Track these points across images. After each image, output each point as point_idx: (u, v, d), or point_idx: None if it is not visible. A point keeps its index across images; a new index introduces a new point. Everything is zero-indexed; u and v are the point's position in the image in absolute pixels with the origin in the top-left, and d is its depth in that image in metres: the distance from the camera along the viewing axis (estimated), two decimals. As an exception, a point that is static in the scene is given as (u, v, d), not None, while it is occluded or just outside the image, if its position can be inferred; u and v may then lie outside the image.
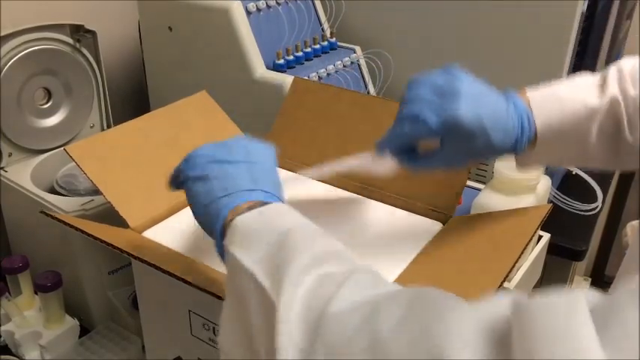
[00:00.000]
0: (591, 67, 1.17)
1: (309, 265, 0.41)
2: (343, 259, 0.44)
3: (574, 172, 1.18)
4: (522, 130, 0.60)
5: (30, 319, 0.86)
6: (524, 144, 0.60)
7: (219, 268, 0.63)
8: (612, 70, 0.63)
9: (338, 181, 0.79)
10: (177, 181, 0.56)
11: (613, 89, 0.61)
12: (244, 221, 0.47)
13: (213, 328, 0.63)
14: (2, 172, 0.94)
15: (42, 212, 0.63)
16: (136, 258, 0.57)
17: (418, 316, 0.34)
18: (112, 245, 0.58)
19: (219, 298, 0.52)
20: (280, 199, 0.52)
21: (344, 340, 0.36)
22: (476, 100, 0.57)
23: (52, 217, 0.62)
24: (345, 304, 0.37)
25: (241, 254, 0.44)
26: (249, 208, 0.48)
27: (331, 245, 0.45)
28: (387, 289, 0.40)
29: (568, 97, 0.62)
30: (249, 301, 0.42)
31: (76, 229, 0.60)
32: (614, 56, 1.30)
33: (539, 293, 0.31)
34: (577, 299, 0.29)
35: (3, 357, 0.84)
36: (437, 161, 0.61)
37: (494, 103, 0.58)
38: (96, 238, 0.59)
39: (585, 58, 1.11)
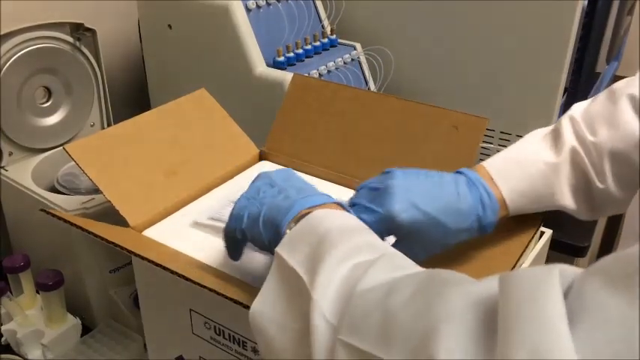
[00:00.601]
0: (592, 63, 1.17)
1: (344, 256, 0.45)
2: (374, 248, 0.47)
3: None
4: (484, 206, 0.59)
5: (32, 318, 0.86)
6: (489, 219, 0.59)
7: (220, 266, 0.63)
8: (564, 121, 0.63)
9: (339, 178, 0.79)
10: (236, 241, 0.58)
11: (569, 140, 0.61)
12: (292, 230, 0.51)
13: (214, 327, 0.62)
14: (3, 171, 0.94)
15: (42, 210, 0.63)
16: (135, 255, 0.57)
17: (425, 293, 0.37)
18: (112, 242, 0.58)
19: (219, 294, 0.52)
20: (322, 198, 0.54)
21: (363, 316, 0.39)
22: (410, 191, 0.57)
23: (53, 215, 0.62)
24: (370, 283, 0.41)
25: (288, 256, 0.47)
26: (298, 220, 0.51)
27: (366, 238, 0.48)
28: (409, 270, 0.43)
29: (525, 158, 0.62)
30: (292, 291, 0.45)
31: (76, 226, 0.60)
32: (615, 52, 1.30)
33: (523, 268, 0.32)
34: (550, 275, 0.30)
35: (5, 356, 0.84)
36: None
37: (435, 188, 0.58)
38: (96, 236, 0.59)
39: (586, 55, 1.10)
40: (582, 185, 0.62)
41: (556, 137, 0.63)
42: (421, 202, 0.56)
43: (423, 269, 0.44)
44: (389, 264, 0.44)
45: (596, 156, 0.60)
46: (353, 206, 0.59)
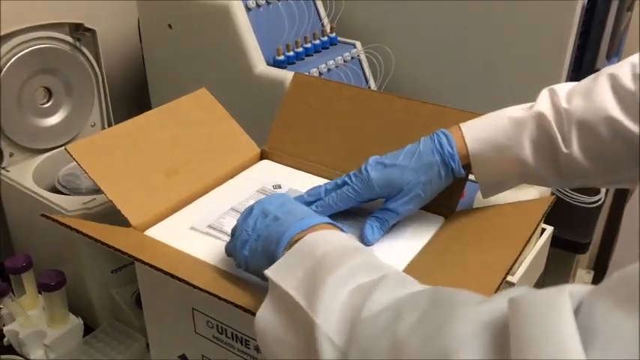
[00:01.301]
0: (592, 60, 1.17)
1: (343, 280, 0.45)
2: (371, 269, 0.48)
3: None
4: (441, 144, 0.65)
5: (34, 318, 0.86)
6: (448, 150, 0.65)
7: (222, 265, 0.63)
8: (544, 91, 0.66)
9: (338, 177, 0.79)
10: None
11: (540, 105, 0.64)
12: (285, 255, 0.51)
13: (217, 326, 0.63)
14: (4, 172, 0.94)
15: (43, 215, 0.62)
16: (139, 261, 0.57)
17: (431, 317, 0.38)
18: (114, 248, 0.58)
19: (222, 300, 0.52)
20: (315, 219, 0.55)
21: (372, 341, 0.40)
22: (380, 159, 0.67)
23: (53, 220, 0.61)
24: (375, 308, 0.42)
25: (280, 280, 0.48)
26: (293, 244, 0.52)
27: (360, 259, 0.49)
28: (410, 291, 0.43)
29: (494, 114, 0.66)
30: (289, 314, 0.47)
31: (77, 231, 0.59)
32: (615, 48, 1.30)
33: (532, 290, 0.33)
34: (561, 300, 0.31)
35: (7, 357, 0.84)
36: (391, 213, 0.66)
37: (397, 151, 0.67)
38: (97, 241, 0.59)
39: (586, 52, 1.10)
40: (546, 146, 0.63)
41: (531, 105, 0.65)
42: (387, 160, 0.66)
43: (426, 287, 0.44)
44: (391, 285, 0.44)
45: (566, 122, 0.62)
46: (343, 186, 0.67)
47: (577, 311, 0.30)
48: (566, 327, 0.29)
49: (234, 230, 0.61)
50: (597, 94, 0.61)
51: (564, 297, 0.31)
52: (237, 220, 0.61)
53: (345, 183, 0.67)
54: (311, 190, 0.69)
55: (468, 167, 0.67)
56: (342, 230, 0.56)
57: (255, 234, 0.57)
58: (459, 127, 0.66)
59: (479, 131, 0.66)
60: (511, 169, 0.65)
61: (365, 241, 0.65)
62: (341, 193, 0.67)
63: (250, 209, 0.60)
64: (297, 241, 0.52)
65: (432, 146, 0.65)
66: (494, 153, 0.65)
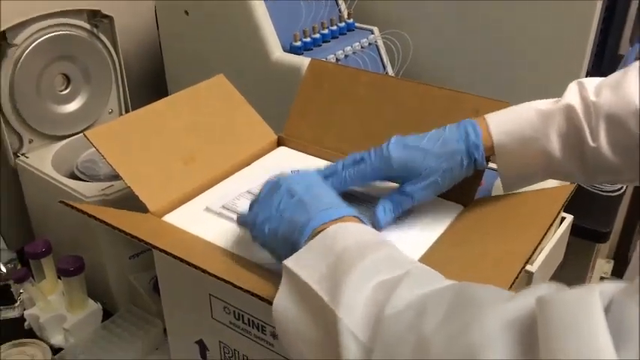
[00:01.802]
0: (615, 46, 1.15)
1: (366, 274, 0.45)
2: (395, 264, 0.47)
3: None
4: (467, 133, 0.64)
5: (54, 303, 0.87)
6: (473, 140, 0.63)
7: (240, 251, 0.63)
8: (572, 84, 0.65)
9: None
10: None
11: (568, 98, 0.63)
12: (306, 246, 0.51)
13: (234, 312, 0.63)
14: (23, 159, 0.95)
15: (61, 202, 0.63)
16: (155, 248, 0.57)
17: (457, 314, 0.37)
18: (131, 235, 0.58)
19: (238, 287, 0.52)
20: (339, 211, 0.54)
21: (397, 338, 0.40)
22: (404, 138, 0.65)
23: (71, 207, 0.62)
24: (399, 304, 0.41)
25: (300, 270, 0.48)
26: (315, 235, 0.51)
27: (383, 253, 0.48)
28: (434, 287, 0.43)
29: (521, 106, 0.66)
30: (309, 306, 0.46)
31: (96, 218, 0.60)
32: (639, 34, 1.28)
33: (561, 288, 0.33)
34: (592, 300, 0.30)
35: (28, 340, 0.85)
36: (405, 198, 0.65)
37: (421, 134, 0.65)
38: (114, 227, 0.59)
39: (609, 37, 1.08)
40: (574, 140, 0.62)
41: (558, 98, 0.65)
42: (410, 141, 0.65)
43: (450, 282, 0.44)
44: (415, 281, 0.44)
45: (594, 115, 0.61)
46: (361, 162, 0.66)
47: (607, 310, 0.30)
48: (597, 328, 0.29)
49: (254, 203, 0.60)
50: (626, 88, 0.60)
51: (595, 297, 0.30)
52: (260, 192, 0.59)
53: (363, 159, 0.66)
54: (329, 165, 0.68)
55: (488, 159, 0.66)
56: (365, 224, 0.55)
57: (278, 213, 0.56)
58: (484, 119, 0.65)
59: (505, 123, 0.64)
60: (536, 161, 0.64)
61: (375, 221, 0.65)
62: (358, 169, 0.66)
63: (276, 184, 0.58)
64: (319, 232, 0.51)
65: (457, 134, 0.64)
66: (519, 145, 0.64)
